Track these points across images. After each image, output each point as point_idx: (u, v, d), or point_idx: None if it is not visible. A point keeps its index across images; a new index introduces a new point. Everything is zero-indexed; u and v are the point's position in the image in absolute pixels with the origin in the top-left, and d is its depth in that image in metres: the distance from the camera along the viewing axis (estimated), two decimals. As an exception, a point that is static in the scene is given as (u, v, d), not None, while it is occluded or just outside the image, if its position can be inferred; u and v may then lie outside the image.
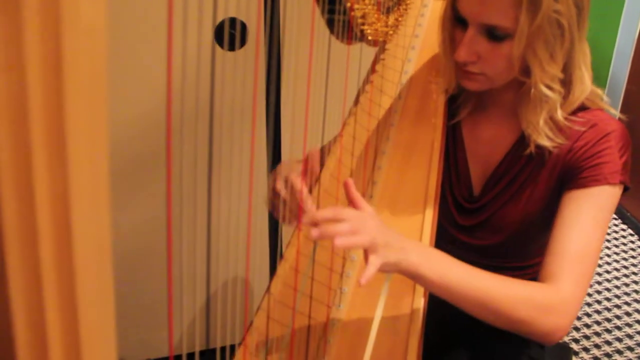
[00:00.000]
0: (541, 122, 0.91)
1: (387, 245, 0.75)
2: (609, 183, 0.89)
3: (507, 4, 0.83)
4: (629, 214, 2.86)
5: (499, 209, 1.01)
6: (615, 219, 2.86)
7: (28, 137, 0.24)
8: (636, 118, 2.64)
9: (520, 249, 1.05)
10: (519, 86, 0.92)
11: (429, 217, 0.92)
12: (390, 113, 1.05)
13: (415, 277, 0.79)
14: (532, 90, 0.89)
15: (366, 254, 0.75)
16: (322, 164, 0.95)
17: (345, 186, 0.80)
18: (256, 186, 0.62)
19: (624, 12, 2.64)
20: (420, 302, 0.84)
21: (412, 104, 1.06)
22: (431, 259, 0.80)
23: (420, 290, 0.85)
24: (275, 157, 1.36)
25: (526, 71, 0.89)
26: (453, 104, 1.05)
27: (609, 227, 2.80)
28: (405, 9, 1.07)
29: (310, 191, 0.89)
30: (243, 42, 1.41)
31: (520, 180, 0.98)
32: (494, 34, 0.86)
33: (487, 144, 1.02)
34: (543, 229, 0.98)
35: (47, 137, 0.25)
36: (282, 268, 0.87)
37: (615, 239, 2.73)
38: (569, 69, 0.90)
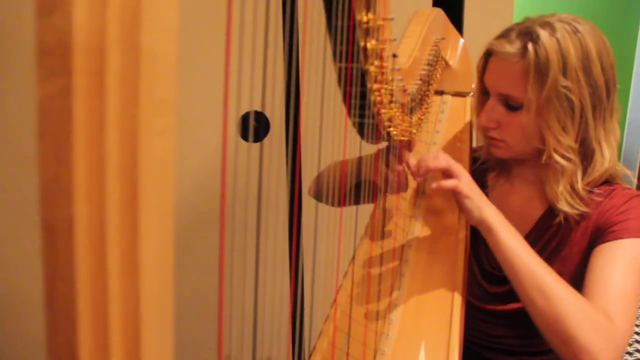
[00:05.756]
0: (561, 188, 0.96)
1: (473, 190, 0.90)
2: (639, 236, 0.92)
3: (518, 76, 0.92)
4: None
5: None
6: None
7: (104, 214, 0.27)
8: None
9: None
10: (541, 158, 0.97)
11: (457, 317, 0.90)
12: (414, 206, 1.08)
13: (488, 231, 0.89)
14: (545, 157, 0.95)
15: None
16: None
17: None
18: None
19: (632, 84, 2.70)
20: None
21: (436, 199, 1.08)
22: (505, 222, 0.90)
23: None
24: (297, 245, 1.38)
25: (544, 141, 0.95)
26: (484, 177, 1.11)
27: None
28: (427, 108, 1.11)
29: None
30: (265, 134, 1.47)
31: (552, 247, 1.01)
32: (509, 104, 0.95)
33: (515, 216, 1.05)
34: None
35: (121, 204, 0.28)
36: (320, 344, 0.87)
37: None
38: (586, 142, 0.95)
